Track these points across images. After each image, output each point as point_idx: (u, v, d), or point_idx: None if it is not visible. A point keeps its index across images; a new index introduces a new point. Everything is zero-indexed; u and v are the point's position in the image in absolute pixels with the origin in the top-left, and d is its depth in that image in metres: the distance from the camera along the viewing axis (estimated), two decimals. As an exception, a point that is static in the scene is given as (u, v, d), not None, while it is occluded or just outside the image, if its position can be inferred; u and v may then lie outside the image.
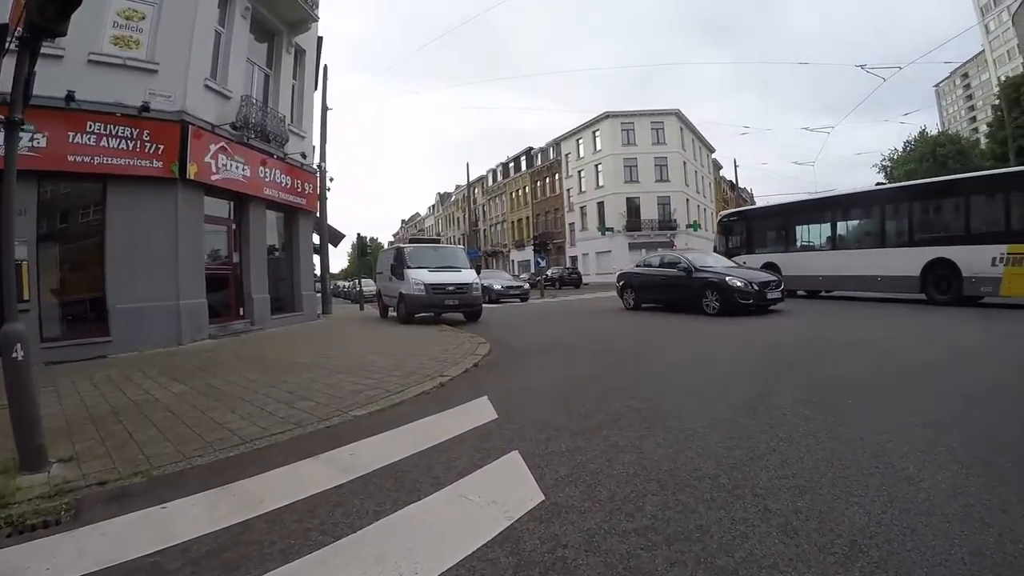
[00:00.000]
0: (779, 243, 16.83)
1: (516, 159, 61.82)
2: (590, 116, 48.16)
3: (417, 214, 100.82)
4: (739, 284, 11.30)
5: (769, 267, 15.42)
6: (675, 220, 44.27)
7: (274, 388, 5.82)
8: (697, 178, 50.75)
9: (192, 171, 10.17)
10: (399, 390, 5.52)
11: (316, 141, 19.83)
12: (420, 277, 12.77)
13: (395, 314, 14.21)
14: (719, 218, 20.87)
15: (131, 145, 9.49)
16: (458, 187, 74.84)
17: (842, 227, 15.08)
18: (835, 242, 15.00)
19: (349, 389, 5.64)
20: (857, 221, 14.94)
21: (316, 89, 19.20)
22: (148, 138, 9.64)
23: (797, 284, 15.46)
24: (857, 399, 4.46)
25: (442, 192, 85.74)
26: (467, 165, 68.43)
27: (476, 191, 61.88)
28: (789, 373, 5.65)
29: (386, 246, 24.73)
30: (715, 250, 17.49)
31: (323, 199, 18.94)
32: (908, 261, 12.69)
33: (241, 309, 12.23)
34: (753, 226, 18.10)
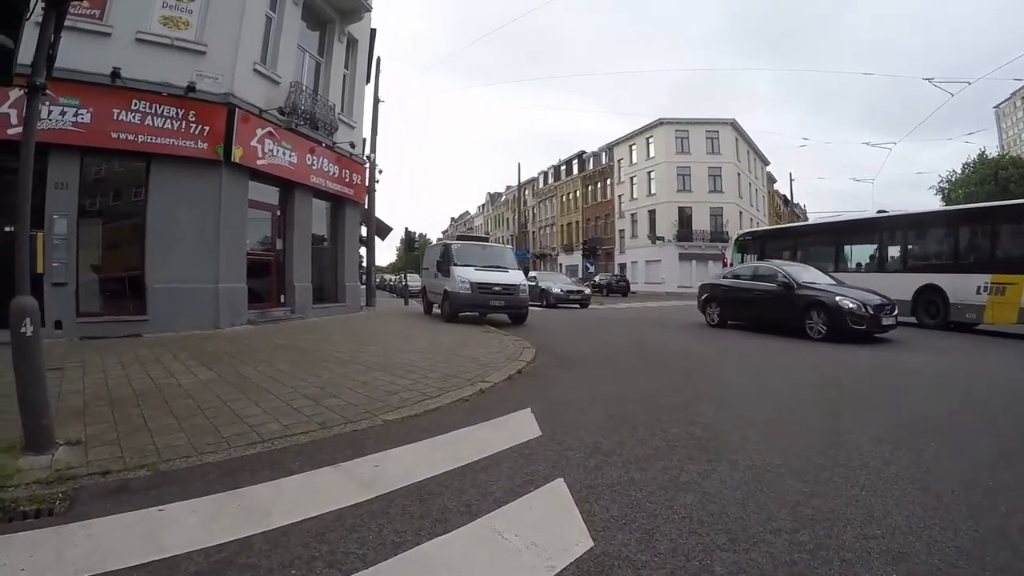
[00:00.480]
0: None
1: (568, 162, 61.36)
2: (643, 121, 47.62)
3: (467, 212, 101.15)
4: (851, 306, 9.87)
5: None
6: (727, 232, 41.97)
7: (304, 382, 5.51)
8: (751, 190, 49.39)
9: (237, 154, 10.07)
10: (436, 394, 5.12)
11: (367, 132, 19.83)
12: (466, 275, 12.49)
13: (439, 311, 14.05)
14: (736, 236, 21.69)
15: (176, 125, 9.44)
16: (508, 187, 74.56)
17: (845, 251, 15.82)
18: (837, 264, 15.29)
19: (383, 389, 5.27)
20: (858, 245, 15.67)
21: (368, 82, 19.24)
22: (194, 119, 9.58)
23: None
24: (938, 442, 3.83)
25: (492, 192, 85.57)
26: (518, 165, 68.86)
27: (526, 192, 61.39)
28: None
29: (434, 243, 24.50)
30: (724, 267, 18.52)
31: (372, 191, 18.88)
32: (901, 285, 12.97)
33: (282, 297, 12.12)
34: (767, 245, 18.43)
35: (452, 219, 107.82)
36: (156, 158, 9.40)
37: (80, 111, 8.67)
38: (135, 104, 9.11)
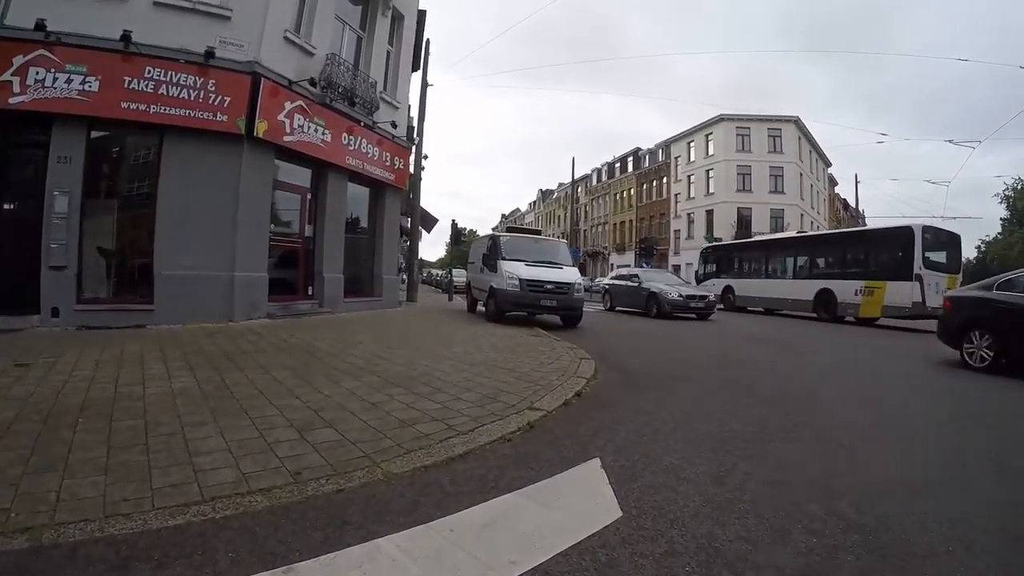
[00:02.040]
0: (736, 272, 22.22)
1: (623, 159, 59.41)
2: (700, 119, 45.63)
3: (517, 209, 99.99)
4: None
5: (728, 289, 21.56)
6: None
7: (297, 400, 4.29)
8: (812, 192, 46.84)
9: (261, 128, 9.04)
10: (467, 427, 3.80)
11: (413, 114, 18.79)
12: (515, 271, 11.30)
13: (483, 309, 13.07)
14: (702, 249, 26.89)
15: (193, 95, 8.48)
16: (560, 184, 74.05)
17: (770, 262, 20.36)
18: (765, 272, 20.40)
19: (397, 416, 3.99)
20: (778, 258, 20.03)
21: (416, 70, 18.20)
22: (213, 88, 8.59)
23: (748, 303, 20.60)
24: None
25: (544, 188, 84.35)
26: (572, 160, 66.69)
27: (579, 190, 59.72)
28: None
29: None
30: (696, 275, 24.51)
31: (417, 178, 17.79)
32: (806, 288, 17.49)
33: (310, 288, 11.09)
34: (721, 257, 23.71)
35: (503, 216, 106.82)
36: (170, 131, 8.46)
37: (87, 79, 7.82)
38: (148, 71, 8.19)
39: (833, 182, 55.50)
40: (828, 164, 51.91)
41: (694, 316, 15.73)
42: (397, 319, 11.41)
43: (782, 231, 38.91)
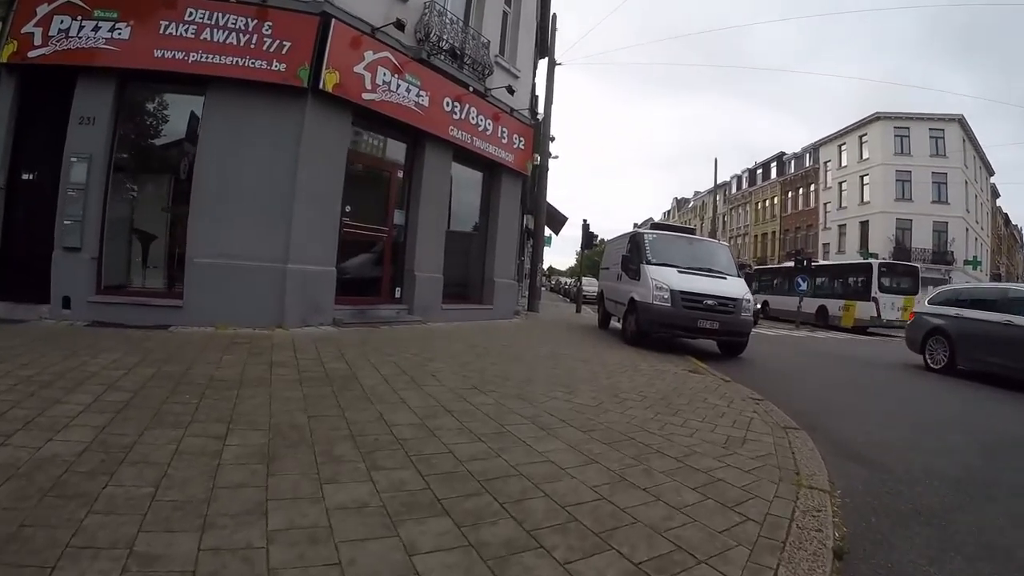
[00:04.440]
0: (772, 289, 27.35)
1: (765, 165, 54.25)
2: (851, 120, 40.70)
3: (650, 219, 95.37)
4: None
5: (764, 303, 25.47)
6: (952, 252, 35.32)
7: (237, 534, 2.08)
8: (976, 204, 40.32)
9: (330, 81, 7.24)
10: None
11: (539, 92, 16.72)
12: (665, 279, 8.78)
13: (618, 325, 11.04)
14: (753, 271, 30.79)
15: (244, 40, 6.89)
16: (696, 193, 71.22)
17: (791, 283, 23.56)
18: (788, 290, 24.45)
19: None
20: (796, 280, 22.88)
21: (544, 56, 16.16)
22: (269, 32, 6.94)
23: (777, 313, 25.05)
24: None
25: (679, 197, 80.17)
26: (715, 161, 60.30)
27: (717, 199, 54.55)
28: None
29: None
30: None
31: (544, 168, 15.54)
32: (811, 304, 22.36)
33: (398, 290, 9.17)
34: (763, 278, 29.40)
35: (635, 225, 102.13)
36: (214, 84, 6.94)
37: (118, 25, 6.58)
38: (190, 14, 6.76)
39: (995, 194, 48.29)
40: (991, 173, 44.77)
41: None
42: (506, 336, 8.98)
43: (946, 248, 36.20)
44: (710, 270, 9.39)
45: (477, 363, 5.89)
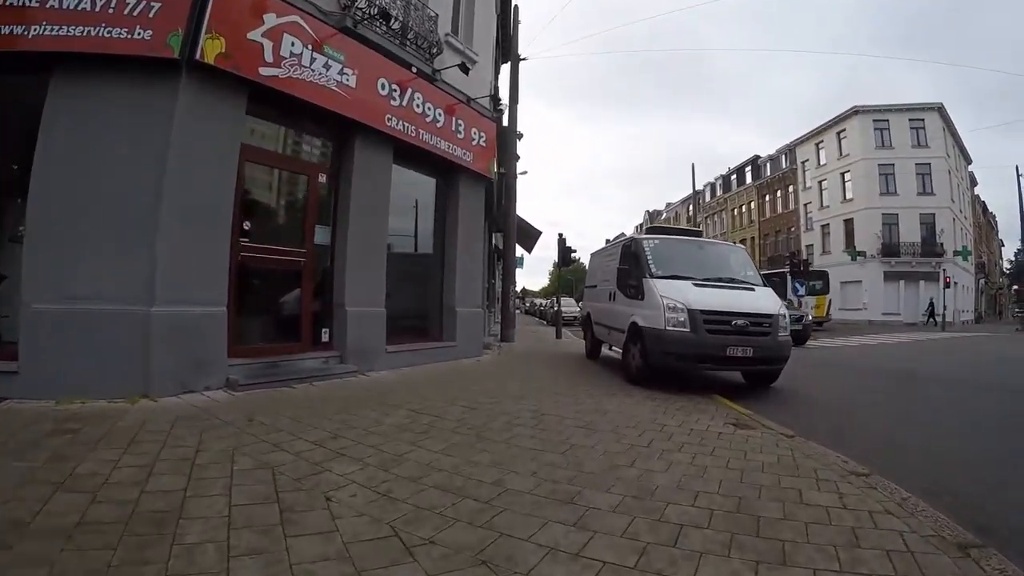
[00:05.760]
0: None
1: (739, 170, 54.65)
2: (827, 117, 41.14)
3: (622, 234, 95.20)
4: None
5: None
6: (941, 244, 35.36)
7: None
8: (959, 192, 41.08)
9: (212, 50, 5.29)
10: None
11: (498, 85, 14.96)
12: (679, 296, 6.93)
13: (616, 353, 9.28)
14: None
15: (100, 5, 4.96)
16: (668, 204, 71.98)
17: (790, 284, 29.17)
18: (785, 291, 27.10)
19: None
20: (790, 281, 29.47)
21: (506, 60, 14.69)
22: (132, -7, 4.99)
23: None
24: None
25: (651, 209, 79.56)
26: (692, 166, 59.52)
27: (689, 209, 54.12)
28: None
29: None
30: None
31: (511, 175, 13.66)
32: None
33: (325, 333, 7.10)
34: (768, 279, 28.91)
35: (607, 241, 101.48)
36: (62, 65, 5.02)
37: None
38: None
39: (973, 181, 49.32)
40: (969, 160, 45.62)
41: None
42: (471, 385, 6.88)
43: (935, 240, 36.00)
44: (732, 280, 7.69)
45: (415, 456, 3.75)
